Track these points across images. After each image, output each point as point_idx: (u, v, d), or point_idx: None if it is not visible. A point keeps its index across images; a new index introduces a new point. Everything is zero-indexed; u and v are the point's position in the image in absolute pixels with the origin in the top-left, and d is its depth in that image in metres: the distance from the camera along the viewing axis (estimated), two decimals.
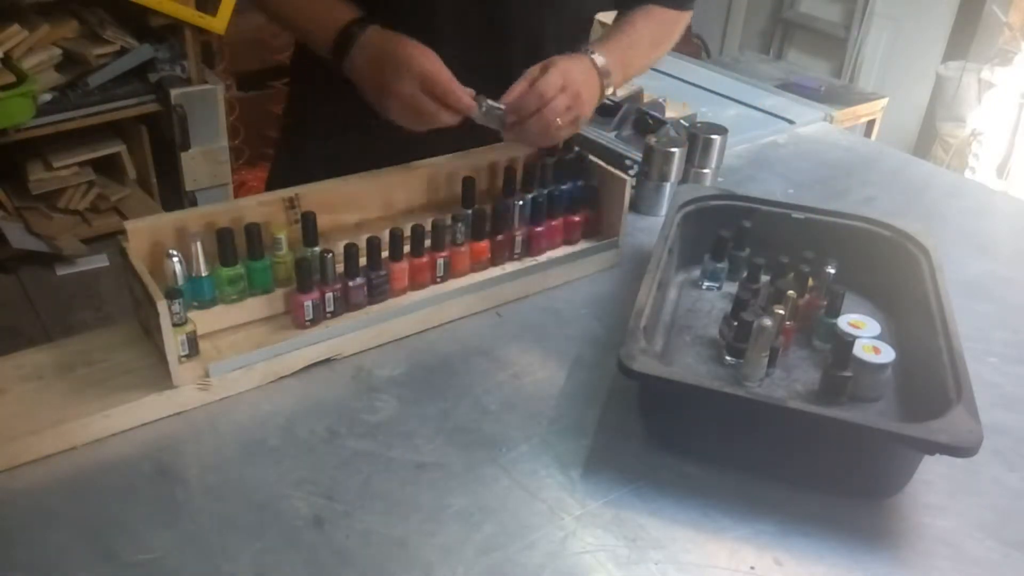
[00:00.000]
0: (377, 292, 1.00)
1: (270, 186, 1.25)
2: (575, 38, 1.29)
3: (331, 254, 0.95)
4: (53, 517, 0.77)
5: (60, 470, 0.81)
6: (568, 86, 1.03)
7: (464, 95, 1.00)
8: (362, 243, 0.98)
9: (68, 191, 2.72)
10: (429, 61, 0.99)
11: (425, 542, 0.76)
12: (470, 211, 1.06)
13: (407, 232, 1.00)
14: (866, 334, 0.96)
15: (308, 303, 0.95)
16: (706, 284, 1.13)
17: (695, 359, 1.00)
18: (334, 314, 0.98)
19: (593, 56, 1.09)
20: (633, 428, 0.90)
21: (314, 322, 0.96)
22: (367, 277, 0.99)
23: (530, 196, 1.10)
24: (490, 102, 1.02)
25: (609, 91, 1.12)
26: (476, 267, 1.08)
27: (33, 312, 2.52)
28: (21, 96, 2.40)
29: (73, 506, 0.78)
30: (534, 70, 1.05)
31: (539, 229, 1.11)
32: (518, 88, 1.03)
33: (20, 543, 0.74)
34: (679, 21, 1.25)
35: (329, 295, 0.96)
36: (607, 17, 1.37)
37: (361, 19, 1.03)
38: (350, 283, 0.98)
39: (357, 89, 1.04)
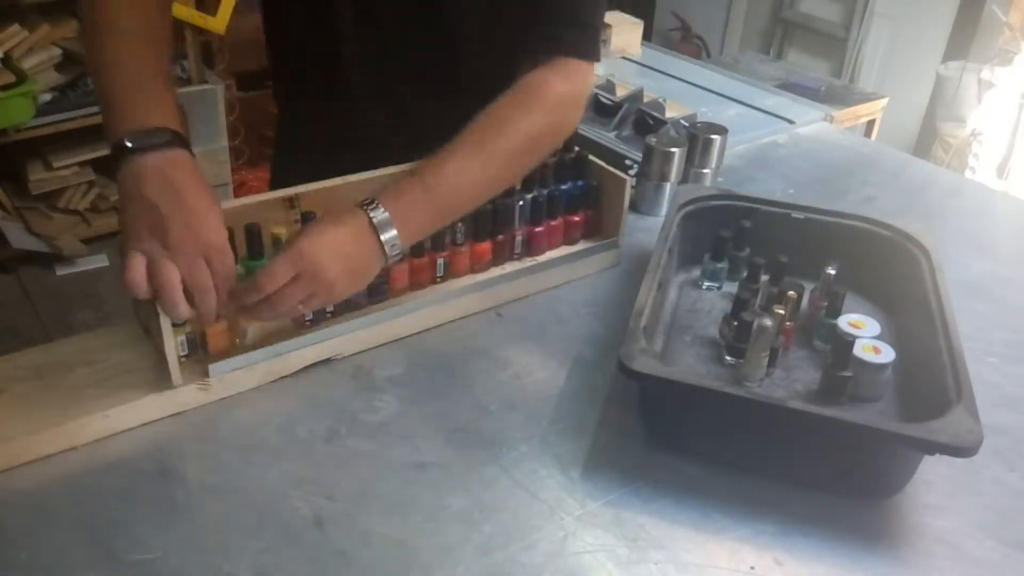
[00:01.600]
0: (376, 292, 1.00)
1: (272, 187, 1.25)
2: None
3: None
4: (53, 517, 0.77)
5: (60, 470, 0.81)
6: (303, 273, 0.81)
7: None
8: None
9: (68, 191, 2.72)
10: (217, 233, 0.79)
11: (425, 542, 0.76)
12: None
13: None
14: (866, 334, 0.96)
15: None
16: (706, 284, 1.13)
17: (695, 359, 1.00)
18: (334, 314, 0.98)
19: (372, 213, 0.85)
20: (633, 428, 0.90)
21: (314, 322, 0.96)
22: None
23: (530, 196, 1.10)
24: None
25: (396, 250, 0.87)
26: (477, 267, 1.08)
27: (33, 312, 2.52)
28: (21, 96, 2.40)
29: (73, 506, 0.78)
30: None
31: (539, 229, 1.11)
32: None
33: (20, 543, 0.74)
34: (583, 73, 1.01)
35: None
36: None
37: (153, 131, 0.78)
38: None
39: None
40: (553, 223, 1.12)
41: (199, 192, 0.78)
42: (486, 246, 1.07)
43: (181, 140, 0.80)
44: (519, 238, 1.10)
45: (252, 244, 0.93)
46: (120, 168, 0.77)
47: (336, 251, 0.83)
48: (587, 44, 1.00)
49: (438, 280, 1.05)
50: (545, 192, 1.11)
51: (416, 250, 1.01)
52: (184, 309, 0.77)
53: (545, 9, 0.99)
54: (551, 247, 1.14)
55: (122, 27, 0.84)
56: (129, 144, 0.77)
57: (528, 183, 1.10)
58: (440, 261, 1.04)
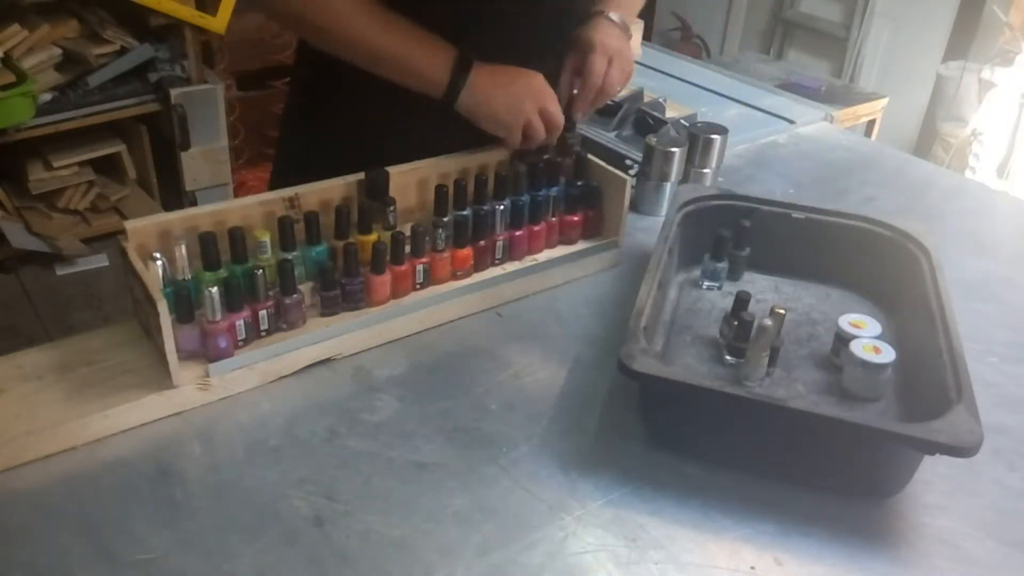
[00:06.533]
0: (352, 300, 0.97)
1: (272, 187, 1.24)
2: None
3: (262, 271, 0.91)
4: (53, 517, 0.77)
5: (60, 470, 0.81)
6: (613, 57, 1.12)
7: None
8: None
9: (68, 191, 2.72)
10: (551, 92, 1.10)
11: (425, 542, 0.76)
12: (465, 213, 1.04)
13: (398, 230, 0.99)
14: (866, 334, 0.96)
15: (240, 322, 0.90)
16: (706, 284, 1.13)
17: (695, 359, 1.00)
18: (332, 314, 0.97)
19: (609, 16, 1.15)
20: (633, 428, 0.90)
21: (246, 342, 0.92)
22: (341, 285, 0.96)
23: (510, 201, 1.08)
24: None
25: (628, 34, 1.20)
26: (461, 274, 1.06)
27: (33, 312, 2.52)
28: (21, 96, 2.40)
29: (73, 506, 0.78)
30: (575, 60, 1.14)
31: (519, 233, 1.09)
32: (567, 80, 1.14)
33: (20, 543, 0.74)
34: None
35: (262, 313, 0.92)
36: None
37: (462, 56, 1.05)
38: (286, 300, 0.93)
39: (469, 115, 1.07)
40: (536, 228, 1.11)
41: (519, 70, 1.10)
42: (467, 252, 1.05)
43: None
44: (500, 243, 1.08)
45: (235, 248, 0.91)
46: (468, 78, 1.05)
47: (616, 39, 1.14)
48: None
49: (418, 287, 1.03)
50: (526, 197, 1.09)
51: (396, 257, 0.99)
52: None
53: None
54: (532, 252, 1.12)
55: (362, 9, 1.04)
56: (468, 62, 1.05)
57: (514, 186, 1.09)
58: (420, 267, 1.02)
